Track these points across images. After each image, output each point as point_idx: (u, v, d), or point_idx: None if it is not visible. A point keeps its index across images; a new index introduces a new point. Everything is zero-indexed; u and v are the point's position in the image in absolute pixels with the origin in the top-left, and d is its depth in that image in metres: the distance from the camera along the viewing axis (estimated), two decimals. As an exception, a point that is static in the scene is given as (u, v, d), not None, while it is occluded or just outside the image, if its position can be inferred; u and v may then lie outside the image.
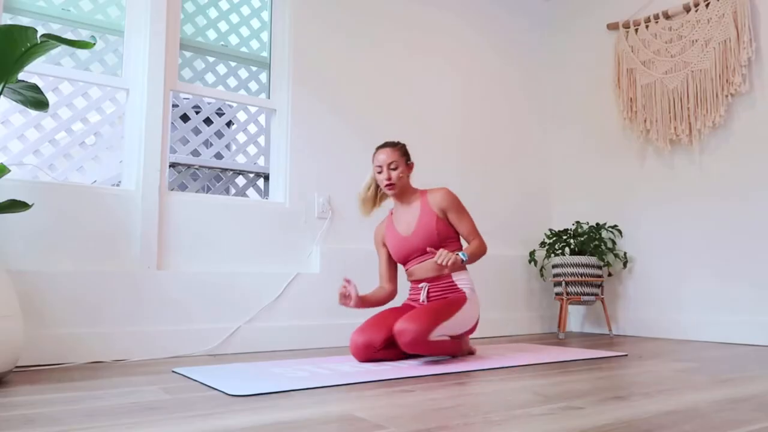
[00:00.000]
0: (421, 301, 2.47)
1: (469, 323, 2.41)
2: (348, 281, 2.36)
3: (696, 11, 3.35)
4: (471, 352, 2.59)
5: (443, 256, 2.24)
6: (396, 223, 2.56)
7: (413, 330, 2.18)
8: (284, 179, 3.03)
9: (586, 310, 3.86)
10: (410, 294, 2.57)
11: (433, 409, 1.43)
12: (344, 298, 2.36)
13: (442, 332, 2.26)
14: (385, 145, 2.53)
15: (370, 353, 2.27)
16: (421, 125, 3.52)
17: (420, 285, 2.50)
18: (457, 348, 2.43)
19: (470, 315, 2.40)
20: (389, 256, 2.61)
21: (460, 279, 2.47)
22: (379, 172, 2.49)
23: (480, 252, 2.44)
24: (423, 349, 2.22)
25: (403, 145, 2.56)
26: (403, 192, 2.52)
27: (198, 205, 2.76)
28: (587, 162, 3.91)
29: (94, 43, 1.94)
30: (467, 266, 2.66)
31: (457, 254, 2.30)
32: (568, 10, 4.11)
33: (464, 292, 2.44)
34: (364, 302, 2.42)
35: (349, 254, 3.10)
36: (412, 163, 2.56)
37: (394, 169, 2.47)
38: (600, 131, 3.85)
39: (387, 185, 2.47)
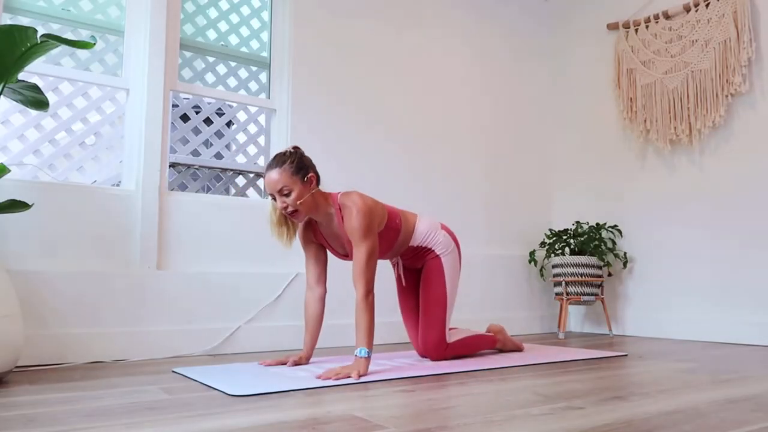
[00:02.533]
0: (397, 277, 2.51)
1: (456, 277, 2.41)
2: (283, 362, 2.18)
3: (696, 11, 3.35)
4: (518, 349, 2.66)
5: (340, 374, 1.85)
6: (326, 237, 2.25)
7: (430, 346, 2.31)
8: (284, 179, 3.02)
9: (586, 310, 3.86)
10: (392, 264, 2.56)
11: (433, 409, 1.43)
12: (296, 364, 2.18)
13: (450, 320, 2.38)
14: (270, 164, 2.08)
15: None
16: (420, 125, 3.52)
17: (393, 260, 2.50)
18: (491, 342, 2.53)
19: (454, 273, 2.40)
20: (318, 253, 2.29)
21: (431, 243, 2.38)
22: (274, 199, 2.09)
23: (366, 320, 1.99)
24: (451, 353, 2.35)
25: (295, 158, 2.08)
26: (315, 210, 2.13)
27: (198, 205, 2.76)
28: (587, 162, 3.91)
29: (94, 43, 1.94)
30: (443, 230, 2.43)
31: (356, 355, 1.94)
32: (568, 10, 4.11)
33: (438, 254, 2.37)
34: (313, 344, 2.24)
35: (349, 254, 3.10)
36: (313, 175, 2.10)
37: (288, 195, 2.05)
38: (600, 131, 3.85)
39: (289, 214, 2.09)
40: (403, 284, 2.50)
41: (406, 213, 2.39)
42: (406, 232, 2.34)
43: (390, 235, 2.27)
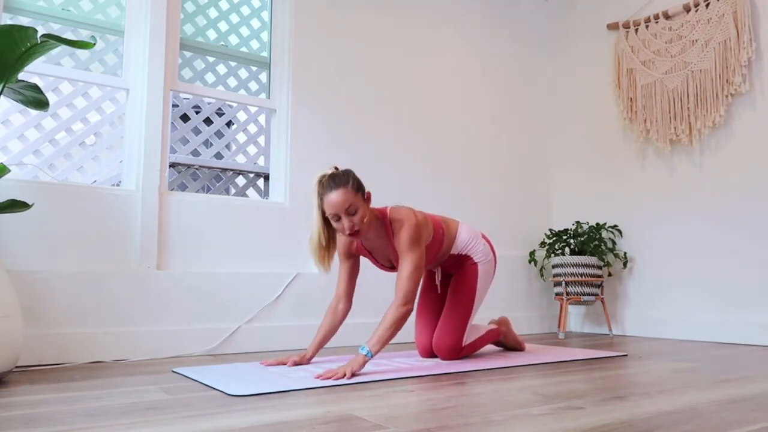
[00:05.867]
0: (434, 284, 2.52)
1: (487, 286, 2.43)
2: (284, 362, 2.18)
3: (696, 11, 3.35)
4: (520, 348, 2.65)
5: (337, 374, 1.84)
6: (369, 249, 2.26)
7: (446, 349, 2.33)
8: (284, 179, 3.03)
9: (586, 310, 3.86)
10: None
11: (433, 409, 1.43)
12: (297, 363, 2.18)
13: (470, 325, 2.39)
14: (331, 185, 2.02)
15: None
16: (420, 125, 3.52)
17: (433, 269, 2.51)
18: (496, 334, 2.54)
19: (486, 281, 2.42)
20: (353, 268, 2.30)
21: (471, 251, 2.40)
22: (336, 220, 2.03)
23: (388, 327, 1.99)
24: (462, 355, 2.37)
25: (352, 176, 2.07)
26: (373, 227, 2.13)
27: (198, 205, 2.76)
28: (587, 162, 3.91)
29: (94, 43, 1.94)
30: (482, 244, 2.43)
31: (359, 352, 1.95)
32: (568, 10, 4.11)
33: (476, 261, 2.39)
34: (319, 349, 2.25)
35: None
36: (369, 193, 2.11)
37: (354, 214, 2.02)
38: (600, 131, 3.85)
39: (351, 234, 2.04)
40: (439, 291, 2.51)
41: (448, 221, 2.41)
42: (449, 241, 2.36)
43: (434, 246, 2.28)
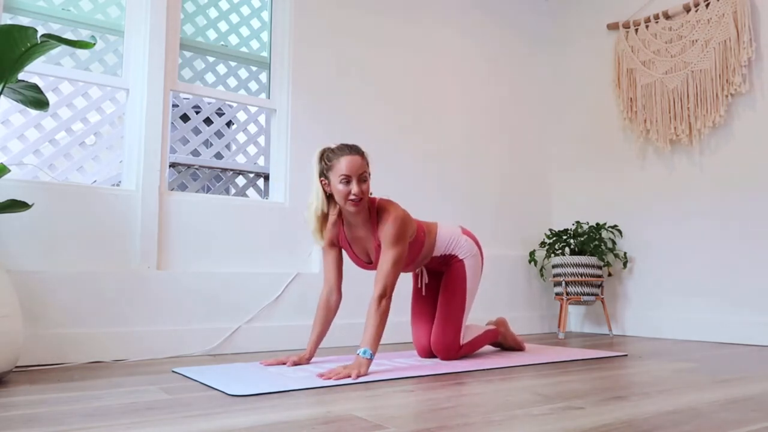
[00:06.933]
0: (419, 287, 2.51)
1: (477, 280, 2.44)
2: (283, 362, 2.16)
3: (696, 11, 3.35)
4: (519, 348, 2.65)
5: (340, 374, 1.85)
6: (350, 239, 2.24)
7: (444, 348, 2.32)
8: (284, 179, 3.03)
9: (586, 310, 3.86)
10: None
11: (433, 409, 1.43)
12: (296, 363, 2.17)
13: (466, 323, 2.39)
14: (349, 150, 2.07)
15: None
16: (420, 125, 3.51)
17: (417, 271, 2.50)
18: (495, 335, 2.55)
19: (474, 276, 2.42)
20: (338, 258, 2.27)
21: (454, 250, 2.39)
22: (345, 182, 2.03)
23: (376, 323, 1.99)
24: (461, 354, 2.37)
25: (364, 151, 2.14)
26: (363, 209, 2.13)
27: (198, 205, 2.76)
28: (587, 162, 3.91)
29: (94, 43, 1.94)
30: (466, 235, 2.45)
31: (357, 354, 1.95)
32: (567, 10, 4.11)
33: (462, 259, 2.39)
34: (317, 346, 2.24)
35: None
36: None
37: (365, 182, 2.07)
38: (600, 131, 3.85)
39: (354, 201, 2.05)
40: (423, 294, 2.50)
41: (429, 224, 2.40)
42: (429, 244, 2.36)
43: (416, 246, 2.29)
